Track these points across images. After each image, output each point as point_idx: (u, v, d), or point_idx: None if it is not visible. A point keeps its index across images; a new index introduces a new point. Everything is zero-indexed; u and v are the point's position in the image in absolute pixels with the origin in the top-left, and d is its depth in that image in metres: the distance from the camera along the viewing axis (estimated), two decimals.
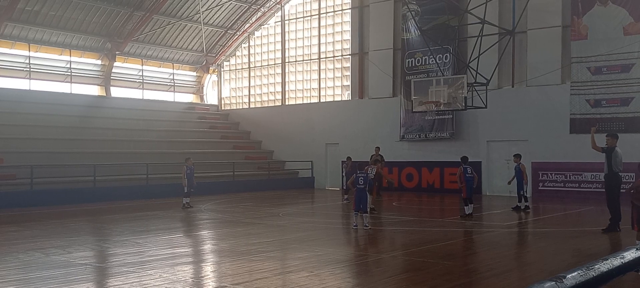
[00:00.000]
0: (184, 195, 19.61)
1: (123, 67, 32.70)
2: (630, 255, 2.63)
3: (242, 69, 35.46)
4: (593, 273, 2.19)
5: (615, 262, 2.42)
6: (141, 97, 33.25)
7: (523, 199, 17.69)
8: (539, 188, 23.11)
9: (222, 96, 36.59)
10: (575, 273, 2.09)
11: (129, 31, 30.88)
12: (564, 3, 23.33)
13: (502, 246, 11.89)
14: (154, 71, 34.33)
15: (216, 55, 35.74)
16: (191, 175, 19.84)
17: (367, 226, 13.72)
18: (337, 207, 21.42)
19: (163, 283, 8.31)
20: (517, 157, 18.29)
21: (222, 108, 36.48)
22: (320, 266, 9.60)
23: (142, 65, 33.54)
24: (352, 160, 22.74)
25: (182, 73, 35.71)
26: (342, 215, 18.21)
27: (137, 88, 33.58)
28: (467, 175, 16.20)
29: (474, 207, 16.56)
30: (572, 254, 10.57)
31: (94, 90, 31.86)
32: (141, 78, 33.71)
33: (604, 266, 2.30)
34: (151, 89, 34.12)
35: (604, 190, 13.36)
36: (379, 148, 24.46)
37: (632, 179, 20.79)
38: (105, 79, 31.89)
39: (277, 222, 16.02)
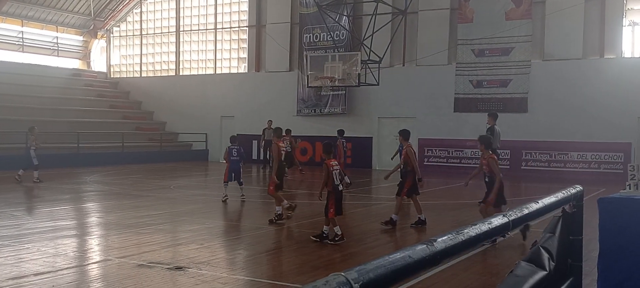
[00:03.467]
0: (33, 168, 17.80)
1: (0, 28, 30.24)
2: (497, 221, 2.84)
3: (133, 35, 33.94)
4: (462, 237, 2.34)
5: (483, 227, 2.61)
6: (21, 61, 30.96)
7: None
8: (425, 163, 24.16)
9: (112, 63, 34.88)
10: (446, 237, 2.24)
11: None
12: None
13: (387, 217, 12.37)
14: (36, 33, 32.09)
15: (105, 20, 33.93)
16: (28, 149, 18.00)
17: (243, 196, 14.08)
18: None
19: (41, 257, 7.89)
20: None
21: (111, 76, 34.81)
22: (211, 238, 9.54)
23: (23, 26, 31.20)
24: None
25: (67, 37, 33.60)
26: (236, 188, 18.10)
27: (16, 51, 31.24)
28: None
29: (365, 180, 17.26)
30: (451, 224, 11.25)
31: None
32: (21, 40, 31.37)
33: (472, 231, 2.47)
34: (32, 53, 31.86)
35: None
36: (271, 121, 24.42)
37: (508, 156, 22.44)
38: None
39: (167, 195, 15.66)
